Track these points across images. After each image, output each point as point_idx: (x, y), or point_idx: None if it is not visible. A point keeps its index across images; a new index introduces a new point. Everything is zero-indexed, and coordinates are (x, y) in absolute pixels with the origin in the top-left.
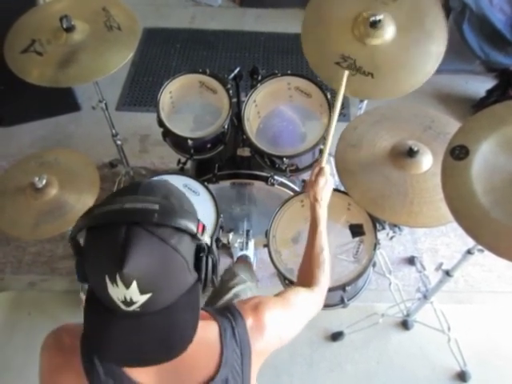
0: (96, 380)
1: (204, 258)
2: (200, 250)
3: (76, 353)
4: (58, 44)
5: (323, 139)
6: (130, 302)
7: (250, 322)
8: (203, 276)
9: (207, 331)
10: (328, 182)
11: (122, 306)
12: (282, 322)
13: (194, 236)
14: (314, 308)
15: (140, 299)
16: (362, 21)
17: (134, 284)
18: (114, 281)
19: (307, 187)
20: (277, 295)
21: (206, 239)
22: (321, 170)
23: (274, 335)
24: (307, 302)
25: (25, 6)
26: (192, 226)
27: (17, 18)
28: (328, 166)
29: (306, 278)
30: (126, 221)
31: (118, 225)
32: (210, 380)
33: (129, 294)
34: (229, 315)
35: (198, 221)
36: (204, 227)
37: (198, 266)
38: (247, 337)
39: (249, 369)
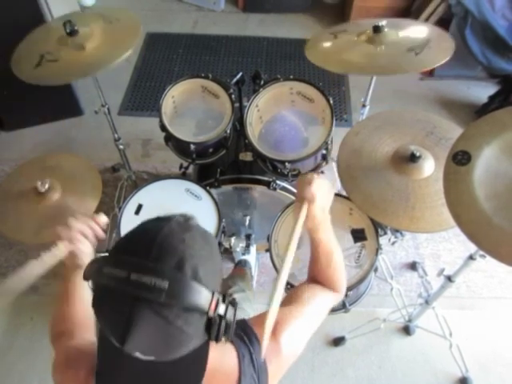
0: None
1: (215, 327)
2: (211, 322)
3: (88, 374)
4: (67, 47)
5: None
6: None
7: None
8: (213, 337)
9: (225, 358)
10: (327, 198)
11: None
12: (297, 338)
13: (205, 313)
14: (330, 306)
15: (144, 358)
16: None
17: (137, 353)
18: (119, 343)
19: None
20: (293, 300)
21: (221, 311)
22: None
23: (291, 354)
24: (324, 305)
25: (33, 23)
26: (203, 304)
27: (25, 34)
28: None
29: (321, 280)
30: (132, 294)
31: (123, 295)
32: None
33: (134, 353)
34: (246, 340)
35: (214, 292)
36: (218, 301)
37: (208, 330)
38: (264, 362)
39: None
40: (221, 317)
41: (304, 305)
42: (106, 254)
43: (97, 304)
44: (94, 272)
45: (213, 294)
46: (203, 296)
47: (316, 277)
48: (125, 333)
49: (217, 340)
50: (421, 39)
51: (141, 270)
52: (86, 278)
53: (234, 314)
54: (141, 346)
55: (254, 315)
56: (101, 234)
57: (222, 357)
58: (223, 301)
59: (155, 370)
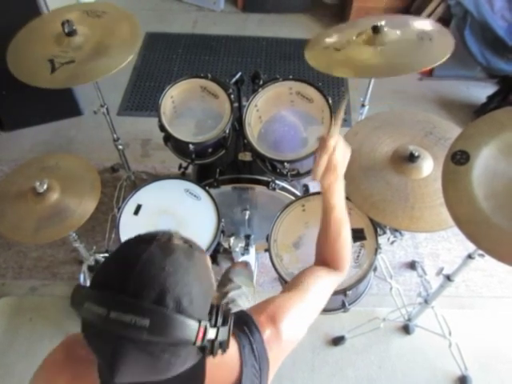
0: None
1: (208, 350)
2: (203, 347)
3: (92, 364)
4: (75, 47)
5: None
6: None
7: (267, 334)
8: (209, 355)
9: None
10: (345, 157)
11: None
12: (297, 324)
13: (193, 344)
14: (333, 287)
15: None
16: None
17: (129, 381)
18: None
19: (314, 174)
20: (295, 285)
21: (211, 336)
22: (329, 162)
23: (291, 340)
24: (326, 286)
25: (28, 15)
26: (189, 335)
27: (20, 27)
28: (340, 139)
29: (325, 258)
30: (114, 333)
31: (106, 333)
32: None
33: None
34: (246, 330)
35: (200, 321)
36: (206, 329)
37: (202, 351)
38: (265, 350)
39: (266, 380)
40: (213, 340)
41: (305, 291)
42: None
43: (85, 334)
44: (76, 304)
45: (199, 322)
46: (188, 328)
47: (322, 250)
48: (112, 368)
49: (213, 356)
50: (423, 31)
51: (119, 307)
52: (73, 306)
53: (229, 328)
54: (130, 378)
55: (254, 304)
56: None
57: None
58: (214, 322)
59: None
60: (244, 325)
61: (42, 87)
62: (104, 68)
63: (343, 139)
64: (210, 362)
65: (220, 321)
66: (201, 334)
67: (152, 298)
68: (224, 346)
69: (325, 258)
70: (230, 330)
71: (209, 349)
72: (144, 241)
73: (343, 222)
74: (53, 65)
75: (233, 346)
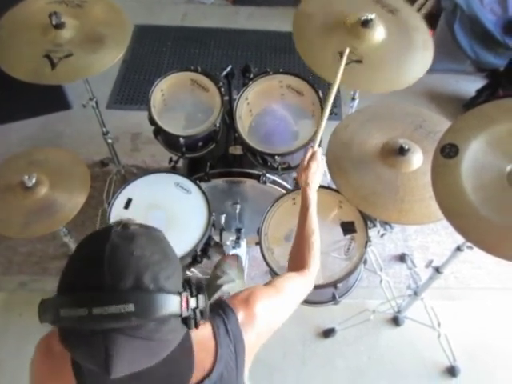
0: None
1: (192, 320)
2: (187, 318)
3: (66, 359)
4: (69, 40)
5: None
6: None
7: (241, 315)
8: (193, 326)
9: (200, 331)
10: (319, 166)
11: None
12: (272, 311)
13: (179, 316)
14: (305, 291)
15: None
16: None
17: (126, 373)
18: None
19: (299, 171)
20: (267, 283)
21: (193, 304)
22: (313, 154)
23: (265, 325)
24: (297, 287)
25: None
26: (174, 309)
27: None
28: (320, 149)
29: (296, 261)
30: (99, 329)
31: (92, 333)
32: (206, 377)
33: None
34: (221, 312)
35: (180, 293)
36: (188, 298)
37: (186, 324)
38: (240, 332)
39: (242, 363)
40: (195, 309)
41: (279, 287)
42: (55, 295)
43: (67, 346)
44: (50, 317)
45: (180, 294)
46: (172, 302)
47: (294, 253)
48: (107, 365)
49: (196, 327)
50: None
51: (100, 302)
52: (42, 321)
53: (205, 296)
54: (127, 368)
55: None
56: None
57: (197, 331)
58: (192, 293)
59: (146, 373)
60: (218, 308)
61: (47, 84)
62: (106, 58)
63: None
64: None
65: (195, 290)
66: (184, 304)
67: (130, 284)
68: (204, 314)
69: (297, 260)
70: (206, 297)
71: (192, 318)
72: (101, 235)
73: (316, 223)
74: (51, 60)
75: (207, 327)
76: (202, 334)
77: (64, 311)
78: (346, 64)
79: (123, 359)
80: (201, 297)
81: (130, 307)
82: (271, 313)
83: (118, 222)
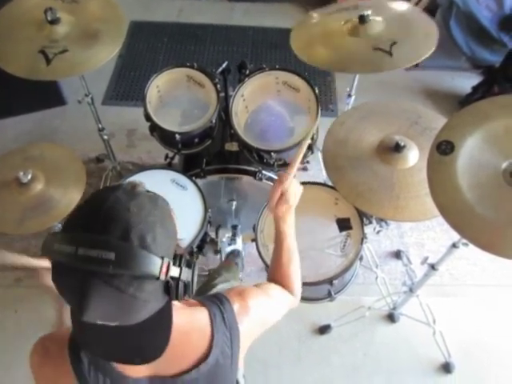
0: (86, 378)
1: (173, 289)
2: (168, 285)
3: (64, 359)
4: (64, 36)
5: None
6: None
7: (236, 306)
8: (174, 298)
9: (197, 316)
10: (294, 197)
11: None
12: (264, 306)
13: (156, 278)
14: (287, 306)
15: (108, 324)
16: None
17: (99, 321)
18: (79, 315)
19: (270, 203)
20: (257, 286)
21: (174, 273)
22: (282, 194)
23: (258, 317)
24: (284, 299)
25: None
26: (153, 270)
27: None
28: (295, 180)
29: (280, 283)
30: (81, 268)
31: (74, 270)
32: (202, 361)
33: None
34: (217, 301)
35: (163, 257)
36: (169, 265)
37: (167, 292)
38: (235, 320)
39: (237, 351)
40: (177, 279)
41: (269, 294)
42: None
43: (54, 279)
44: (47, 248)
45: (162, 258)
46: (152, 262)
47: (275, 276)
48: (81, 305)
49: (178, 299)
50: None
51: (87, 243)
52: (43, 253)
53: (193, 273)
54: (98, 315)
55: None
56: None
57: (194, 316)
58: (178, 263)
59: (121, 333)
60: (214, 297)
61: (42, 80)
62: (101, 53)
63: (296, 181)
64: (183, 326)
65: (183, 264)
66: (164, 269)
67: (117, 235)
68: (188, 290)
69: (278, 282)
70: (194, 274)
71: (174, 289)
72: (111, 188)
73: (294, 249)
74: (46, 56)
75: (203, 312)
76: (199, 318)
77: (56, 245)
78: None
79: (96, 303)
80: (186, 269)
81: (111, 255)
82: (263, 308)
83: (130, 181)
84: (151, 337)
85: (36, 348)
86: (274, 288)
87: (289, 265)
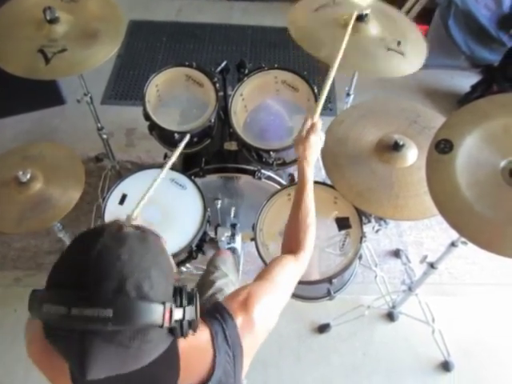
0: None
1: (178, 330)
2: (172, 328)
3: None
4: (63, 35)
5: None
6: None
7: (239, 320)
8: (180, 336)
9: (198, 337)
10: (319, 140)
11: None
12: (269, 311)
13: (160, 326)
14: (298, 275)
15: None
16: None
17: (102, 376)
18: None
19: (296, 143)
20: (261, 276)
21: (177, 316)
22: (313, 125)
23: (263, 329)
24: (291, 274)
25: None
26: (156, 319)
27: None
28: (320, 121)
29: (290, 242)
30: (77, 329)
31: (70, 331)
32: (204, 383)
33: None
34: (218, 317)
35: (164, 302)
36: (172, 310)
37: (172, 333)
38: (238, 337)
39: (240, 368)
40: (181, 321)
41: (274, 281)
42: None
43: (49, 339)
44: (35, 309)
45: (164, 304)
46: (153, 312)
47: (289, 234)
48: (82, 367)
49: (184, 337)
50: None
51: (80, 302)
52: (31, 314)
53: (195, 307)
54: (103, 372)
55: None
56: None
57: (195, 336)
58: (179, 303)
59: (129, 378)
60: (216, 312)
61: (41, 79)
62: (100, 53)
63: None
64: (183, 348)
65: (185, 301)
66: (167, 316)
67: (112, 289)
68: (194, 325)
69: (291, 241)
70: (197, 308)
71: (178, 329)
72: (94, 234)
73: (312, 202)
74: (45, 55)
75: (205, 332)
76: (200, 339)
77: (46, 306)
78: None
79: (98, 362)
80: (189, 308)
81: (108, 312)
82: (268, 313)
83: (114, 221)
84: (161, 372)
85: (36, 339)
86: (281, 267)
87: (307, 216)
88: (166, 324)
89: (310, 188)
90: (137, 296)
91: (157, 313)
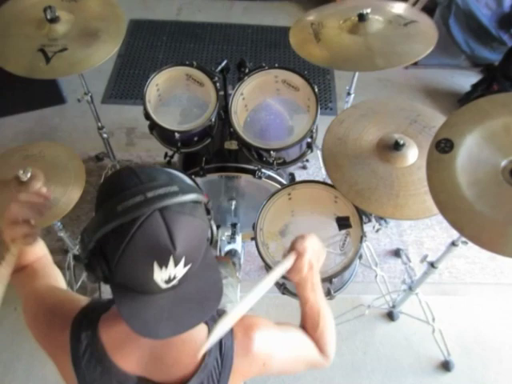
0: (80, 360)
1: (212, 220)
2: (207, 209)
3: (65, 334)
4: (63, 34)
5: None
6: (172, 279)
7: (238, 337)
8: (211, 235)
9: (196, 331)
10: (319, 257)
11: (163, 285)
12: (270, 348)
13: (205, 204)
14: (310, 361)
15: (181, 273)
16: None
17: (183, 260)
18: (164, 264)
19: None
20: (279, 323)
21: (210, 205)
22: (302, 239)
23: (258, 360)
24: (305, 348)
25: None
26: (203, 197)
27: None
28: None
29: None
30: (157, 208)
31: (152, 214)
32: (185, 381)
33: (174, 272)
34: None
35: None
36: (207, 195)
37: (208, 214)
38: (232, 350)
39: (226, 381)
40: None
41: (283, 328)
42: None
43: (125, 241)
44: (105, 218)
45: (202, 191)
46: (199, 192)
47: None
48: (171, 238)
49: (212, 240)
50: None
51: (151, 188)
52: (108, 222)
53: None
54: (186, 245)
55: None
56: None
57: (192, 331)
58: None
59: (182, 294)
60: (218, 316)
61: (42, 78)
62: (101, 52)
63: (315, 239)
64: (180, 337)
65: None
66: (206, 196)
67: (165, 178)
68: (211, 214)
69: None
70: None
71: (211, 214)
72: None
73: (318, 315)
74: (45, 54)
75: (202, 330)
76: (196, 335)
77: (121, 206)
78: None
79: (180, 232)
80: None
81: (175, 188)
82: (268, 350)
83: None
84: (207, 282)
85: (42, 312)
86: (297, 329)
87: (315, 329)
88: (205, 200)
89: (310, 299)
90: (183, 182)
91: (202, 193)
